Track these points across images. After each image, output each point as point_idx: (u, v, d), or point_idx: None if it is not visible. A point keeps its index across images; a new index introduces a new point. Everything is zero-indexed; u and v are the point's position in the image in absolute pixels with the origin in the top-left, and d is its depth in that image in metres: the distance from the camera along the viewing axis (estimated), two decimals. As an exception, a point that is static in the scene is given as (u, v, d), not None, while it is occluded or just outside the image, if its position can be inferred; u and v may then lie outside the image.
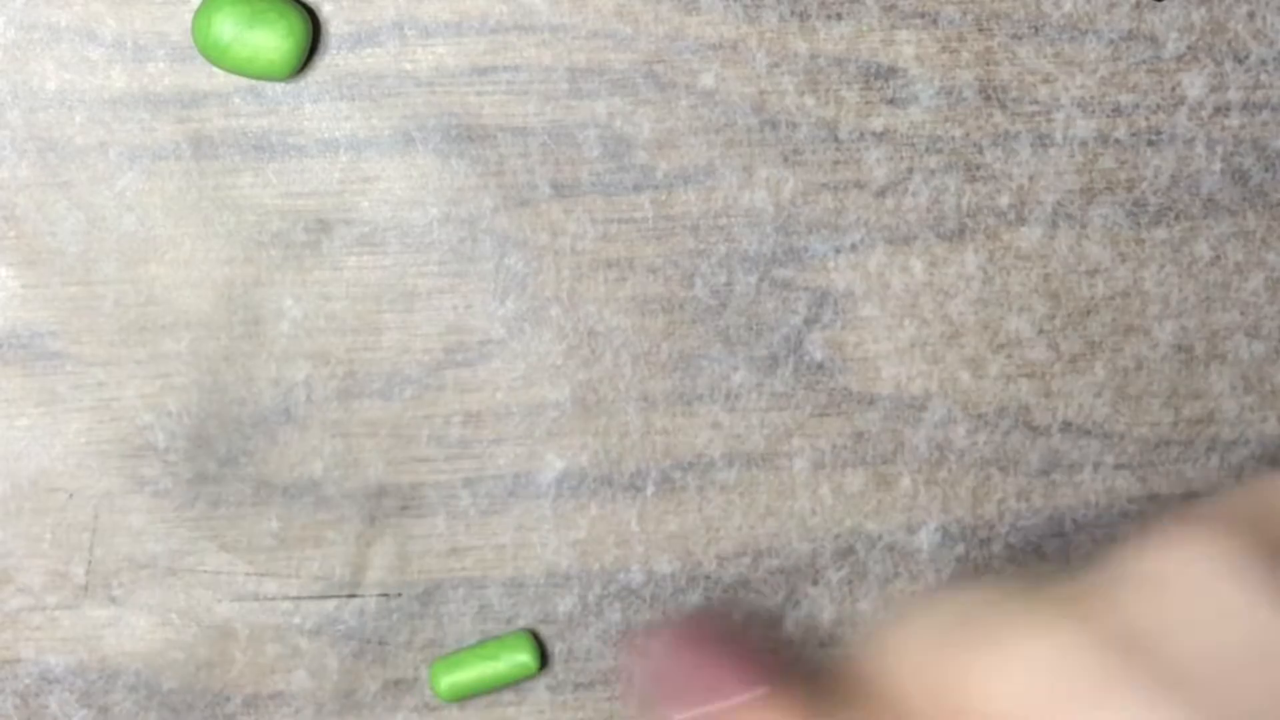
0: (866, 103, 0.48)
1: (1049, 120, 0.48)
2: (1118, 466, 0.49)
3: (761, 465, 0.48)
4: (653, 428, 0.48)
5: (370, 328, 0.48)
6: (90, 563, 0.48)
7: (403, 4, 0.47)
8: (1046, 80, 0.48)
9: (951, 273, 0.48)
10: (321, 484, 0.48)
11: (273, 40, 0.46)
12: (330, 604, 0.48)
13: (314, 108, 0.47)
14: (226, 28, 0.45)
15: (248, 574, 0.48)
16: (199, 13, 0.46)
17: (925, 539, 0.49)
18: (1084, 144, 0.48)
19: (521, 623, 0.48)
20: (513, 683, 0.48)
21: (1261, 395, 0.49)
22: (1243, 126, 0.48)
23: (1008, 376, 0.49)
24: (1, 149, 0.47)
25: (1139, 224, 0.49)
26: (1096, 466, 0.49)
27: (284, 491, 0.48)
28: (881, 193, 0.48)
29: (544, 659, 0.48)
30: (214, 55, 0.46)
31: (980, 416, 0.49)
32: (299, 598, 0.48)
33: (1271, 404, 0.49)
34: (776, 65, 0.47)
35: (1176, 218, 0.49)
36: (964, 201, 0.48)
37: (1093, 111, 0.48)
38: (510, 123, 0.47)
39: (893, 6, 0.47)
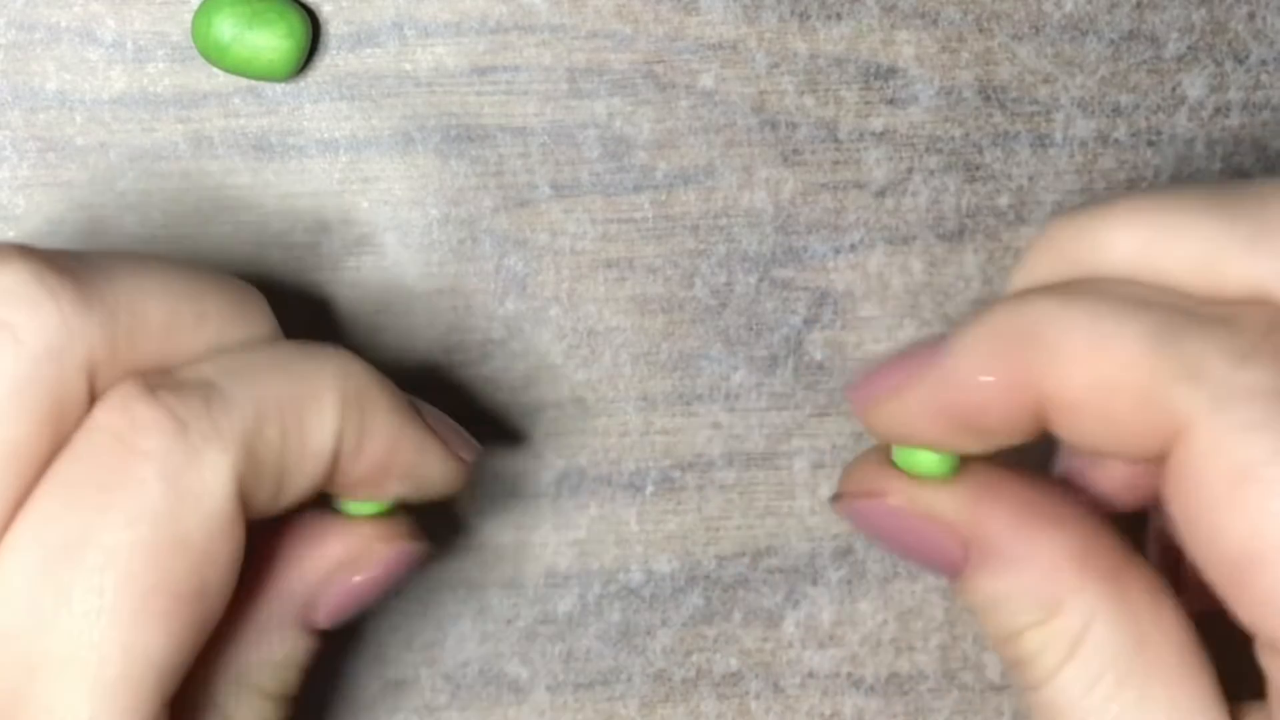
0: (866, 103, 0.48)
1: (1049, 120, 0.48)
2: (1118, 467, 0.49)
3: (761, 465, 0.48)
4: (652, 428, 0.48)
5: (370, 328, 0.48)
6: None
7: (403, 4, 0.47)
8: (1046, 80, 0.48)
9: (951, 273, 0.48)
10: (321, 484, 0.48)
11: (273, 40, 0.46)
12: (330, 604, 0.48)
13: (314, 108, 0.47)
14: (226, 28, 0.45)
15: (247, 574, 0.48)
16: (199, 13, 0.46)
17: (925, 539, 0.49)
18: (1084, 144, 0.48)
19: (521, 623, 0.48)
20: None
21: (1262, 395, 0.49)
22: (1243, 126, 0.48)
23: (1008, 377, 0.49)
24: (1, 149, 0.47)
25: (1139, 224, 0.48)
26: (1097, 467, 0.49)
27: (284, 491, 0.48)
28: (881, 193, 0.48)
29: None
30: (214, 55, 0.46)
31: (980, 417, 0.49)
32: (299, 598, 0.48)
33: (1272, 404, 0.49)
34: (776, 65, 0.47)
35: (1176, 218, 0.48)
36: (964, 201, 0.48)
37: (1093, 111, 0.48)
38: (510, 123, 0.47)
39: (893, 6, 0.47)
